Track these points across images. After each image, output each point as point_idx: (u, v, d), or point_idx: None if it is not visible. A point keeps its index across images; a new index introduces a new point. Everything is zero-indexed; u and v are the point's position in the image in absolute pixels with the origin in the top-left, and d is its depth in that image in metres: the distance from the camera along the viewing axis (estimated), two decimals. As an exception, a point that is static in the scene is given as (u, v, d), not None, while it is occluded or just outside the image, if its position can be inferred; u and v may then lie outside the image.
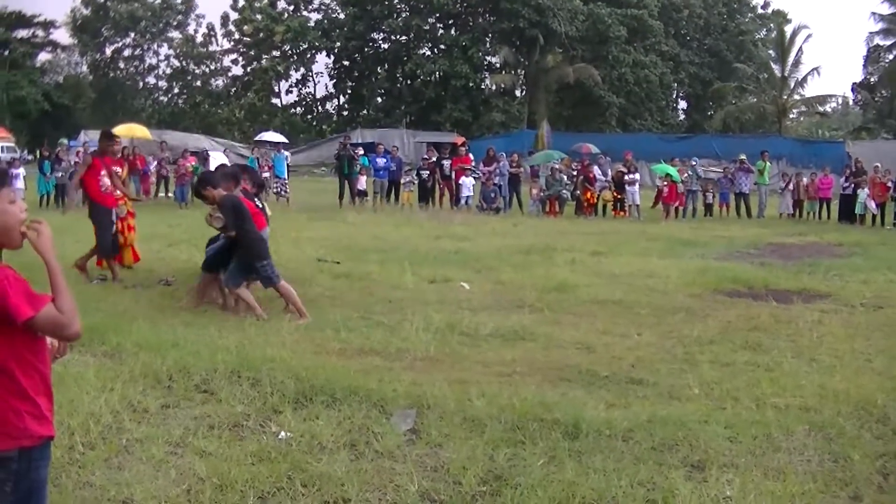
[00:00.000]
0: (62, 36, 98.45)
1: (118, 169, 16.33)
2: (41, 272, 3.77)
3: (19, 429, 3.74)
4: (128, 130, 44.63)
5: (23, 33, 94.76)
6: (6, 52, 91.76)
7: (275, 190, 36.94)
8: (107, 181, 14.89)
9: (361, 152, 37.14)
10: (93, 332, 9.72)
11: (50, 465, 4.05)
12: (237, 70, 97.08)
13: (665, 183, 34.10)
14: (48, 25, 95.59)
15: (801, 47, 73.78)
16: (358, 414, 7.52)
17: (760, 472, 6.43)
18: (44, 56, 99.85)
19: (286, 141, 53.66)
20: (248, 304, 12.32)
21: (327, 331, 11.06)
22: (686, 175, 34.43)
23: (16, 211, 3.80)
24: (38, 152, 33.45)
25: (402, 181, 36.27)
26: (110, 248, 15.17)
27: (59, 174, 33.67)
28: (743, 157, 35.81)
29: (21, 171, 34.64)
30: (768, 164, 36.51)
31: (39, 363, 3.83)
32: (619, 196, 34.04)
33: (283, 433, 7.11)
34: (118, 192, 16.11)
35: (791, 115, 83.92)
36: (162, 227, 23.54)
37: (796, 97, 77.58)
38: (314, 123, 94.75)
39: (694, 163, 35.82)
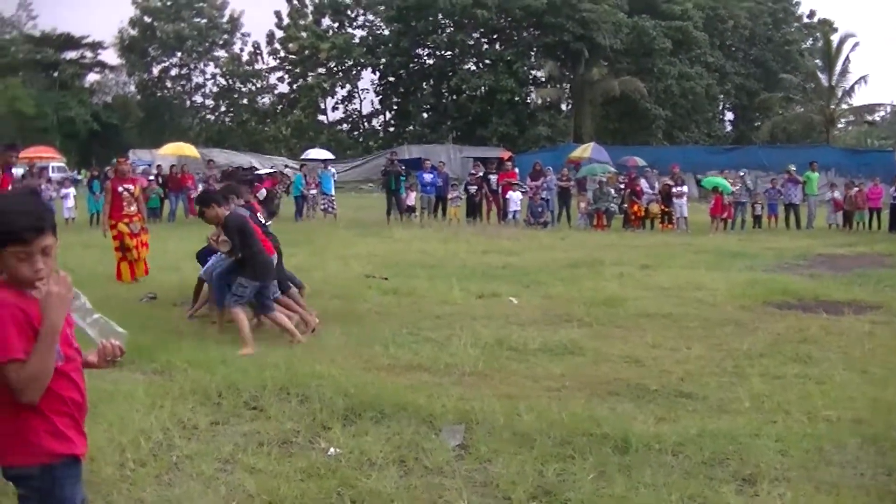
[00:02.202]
0: (110, 56, 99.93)
1: (131, 187, 17.06)
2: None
3: (35, 445, 3.73)
4: (176, 149, 45.17)
5: (72, 54, 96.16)
6: (55, 74, 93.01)
7: (322, 206, 37.21)
8: None
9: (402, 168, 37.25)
10: (142, 350, 9.80)
11: (81, 483, 3.98)
12: (283, 88, 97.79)
13: (712, 196, 33.92)
14: (96, 46, 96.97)
15: (847, 56, 73.36)
16: (407, 430, 7.51)
17: (812, 486, 6.36)
18: (92, 76, 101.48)
19: (333, 157, 53.85)
20: (284, 326, 11.65)
21: (376, 347, 11.05)
22: (738, 187, 34.26)
23: (25, 269, 3.63)
24: (86, 171, 33.67)
25: (449, 196, 36.32)
26: None
27: (109, 194, 33.85)
28: (792, 167, 35.53)
29: (71, 190, 35.04)
30: (816, 174, 36.18)
31: (63, 383, 3.78)
32: (666, 209, 33.91)
33: (332, 449, 7.11)
34: (133, 208, 16.90)
35: (839, 125, 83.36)
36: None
37: (844, 106, 77.06)
38: (360, 140, 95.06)
39: (743, 174, 35.62)
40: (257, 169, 43.03)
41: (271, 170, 42.69)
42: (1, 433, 3.77)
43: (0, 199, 4.06)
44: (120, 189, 17.06)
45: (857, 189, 34.29)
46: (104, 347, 3.93)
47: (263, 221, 13.71)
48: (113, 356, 3.97)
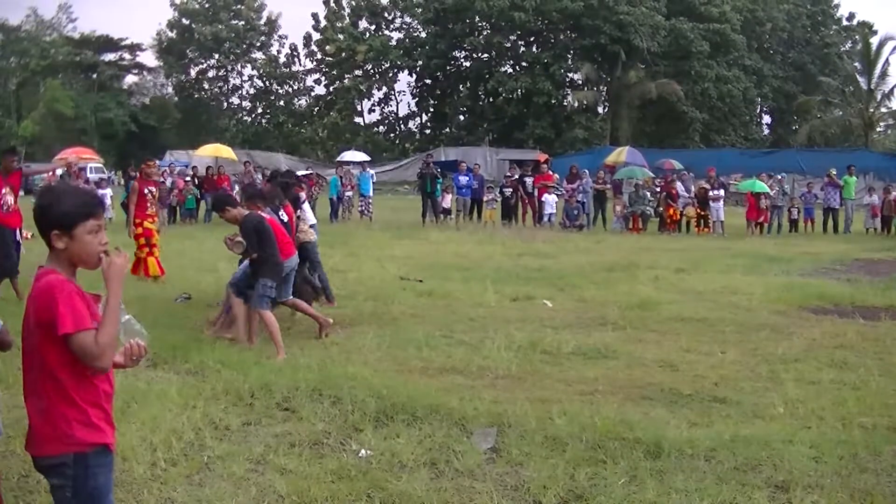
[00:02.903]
0: (148, 58, 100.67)
1: (154, 189, 18.00)
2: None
3: (68, 435, 3.87)
4: (214, 150, 45.31)
5: (110, 56, 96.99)
6: (94, 75, 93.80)
7: (360, 209, 37.35)
8: (9, 199, 14.88)
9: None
10: (176, 349, 9.87)
11: (112, 474, 4.11)
12: (320, 90, 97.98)
13: (747, 199, 33.71)
14: (135, 48, 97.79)
15: (887, 59, 72.71)
16: (438, 432, 7.52)
17: (847, 493, 6.31)
18: (131, 78, 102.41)
19: (368, 159, 53.95)
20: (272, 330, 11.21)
21: (409, 349, 11.07)
22: (775, 190, 34.08)
23: (96, 242, 3.94)
24: (119, 172, 33.93)
25: (485, 199, 36.31)
26: (11, 269, 14.75)
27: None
28: (833, 171, 35.27)
29: (108, 191, 35.29)
30: (854, 178, 35.89)
31: (97, 376, 3.92)
32: (702, 212, 33.74)
33: (363, 451, 7.12)
34: (153, 209, 17.86)
35: (878, 129, 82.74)
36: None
37: (883, 110, 76.51)
38: (397, 142, 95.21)
39: (781, 178, 35.44)
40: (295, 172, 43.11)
41: (308, 172, 42.78)
42: (36, 424, 3.94)
43: (61, 187, 4.27)
44: (145, 191, 17.63)
45: (895, 193, 33.98)
46: (130, 347, 4.04)
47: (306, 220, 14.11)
48: (138, 356, 4.10)
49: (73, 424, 3.86)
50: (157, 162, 19.82)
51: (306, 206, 15.56)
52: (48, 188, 4.66)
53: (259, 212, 11.70)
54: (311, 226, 14.92)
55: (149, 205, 17.55)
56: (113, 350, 3.84)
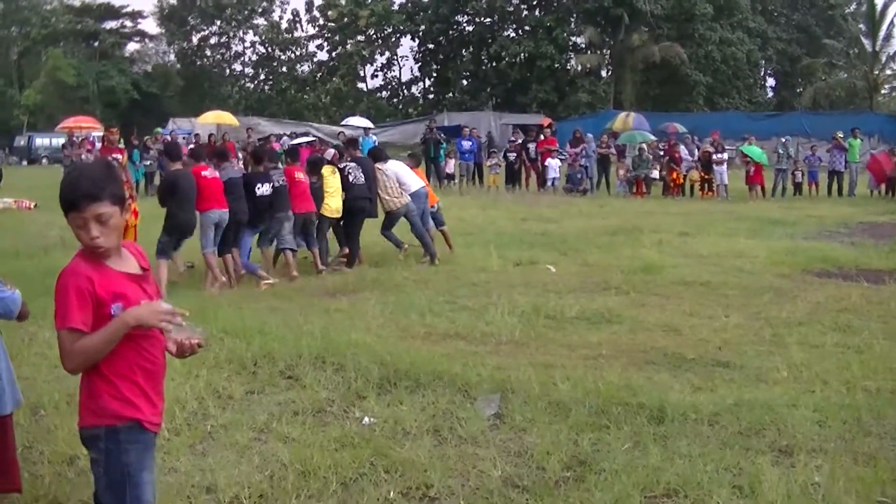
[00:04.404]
0: (150, 26, 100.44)
1: (119, 157, 17.92)
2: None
3: (101, 407, 3.87)
4: (216, 118, 45.32)
5: (111, 24, 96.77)
6: (96, 43, 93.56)
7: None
8: None
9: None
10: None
11: (150, 453, 4.07)
12: (322, 55, 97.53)
13: (751, 163, 33.54)
14: (136, 16, 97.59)
15: (892, 20, 72.10)
16: (442, 399, 7.53)
17: (850, 457, 6.31)
18: (132, 46, 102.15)
19: (371, 126, 53.82)
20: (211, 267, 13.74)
21: (412, 315, 11.09)
22: (781, 152, 33.96)
23: (84, 236, 3.85)
24: (127, 140, 33.87)
25: (488, 164, 36.31)
26: None
27: (148, 162, 34.07)
28: (840, 134, 35.06)
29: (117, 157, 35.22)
30: (859, 141, 35.69)
31: (127, 349, 3.87)
32: (706, 176, 33.63)
33: (366, 419, 7.14)
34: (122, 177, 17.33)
35: (883, 91, 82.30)
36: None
37: (888, 72, 76.07)
38: (400, 107, 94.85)
39: (785, 140, 35.30)
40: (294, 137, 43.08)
41: (310, 139, 42.68)
42: (80, 397, 3.99)
43: (74, 168, 4.20)
44: (109, 158, 17.34)
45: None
46: (182, 345, 4.04)
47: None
48: (192, 352, 4.12)
49: (104, 397, 3.87)
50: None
51: (392, 171, 16.65)
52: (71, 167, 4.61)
53: (205, 169, 13.95)
54: (414, 192, 16.46)
55: None
56: (85, 361, 3.82)
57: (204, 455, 6.42)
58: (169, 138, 37.95)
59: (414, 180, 16.90)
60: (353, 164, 16.38)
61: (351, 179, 16.01)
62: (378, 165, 16.64)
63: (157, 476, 5.84)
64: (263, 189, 14.61)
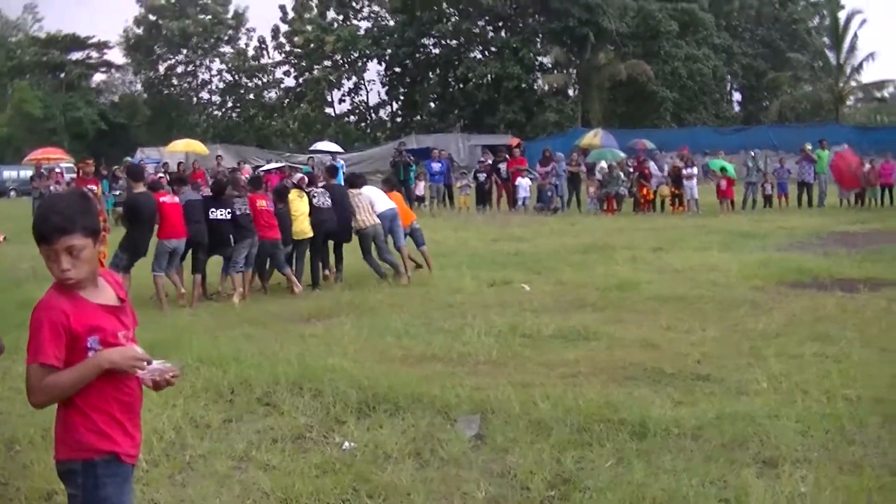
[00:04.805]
0: (116, 56, 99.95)
1: (94, 188, 18.03)
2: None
3: (77, 441, 3.81)
4: (185, 146, 45.21)
5: (78, 55, 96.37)
6: (62, 75, 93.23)
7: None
8: None
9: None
10: (154, 347, 9.63)
11: (128, 486, 3.99)
12: (290, 81, 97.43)
13: (721, 177, 33.66)
14: (102, 46, 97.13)
15: (855, 33, 72.54)
16: (422, 421, 7.47)
17: (835, 466, 6.30)
18: (99, 76, 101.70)
19: (341, 150, 53.76)
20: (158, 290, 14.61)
21: (388, 338, 11.03)
22: (750, 165, 34.14)
23: (54, 267, 3.80)
24: (96, 171, 33.77)
25: (459, 185, 36.35)
26: None
27: (118, 192, 33.95)
28: (808, 146, 35.24)
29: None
30: (826, 152, 35.87)
31: (104, 382, 3.81)
32: (676, 191, 33.74)
33: (346, 444, 7.07)
34: (97, 207, 17.59)
35: (848, 103, 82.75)
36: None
37: (853, 84, 76.54)
38: (368, 131, 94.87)
39: (754, 154, 35.46)
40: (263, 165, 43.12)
41: (279, 164, 42.66)
42: (55, 429, 3.92)
43: (46, 200, 4.14)
44: (85, 189, 17.40)
45: (868, 166, 34.03)
46: (157, 380, 3.96)
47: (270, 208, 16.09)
48: (168, 384, 4.02)
49: (80, 430, 3.80)
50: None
51: (365, 196, 17.31)
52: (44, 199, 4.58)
53: (164, 195, 15.04)
54: (382, 213, 17.12)
55: None
56: (52, 398, 3.78)
57: (183, 486, 6.33)
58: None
59: (383, 202, 17.41)
60: (320, 190, 17.25)
61: (315, 203, 16.77)
62: (352, 191, 17.27)
63: (137, 508, 5.80)
64: (218, 214, 15.37)
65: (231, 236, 15.51)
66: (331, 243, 17.41)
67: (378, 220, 16.89)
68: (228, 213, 15.38)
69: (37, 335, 3.68)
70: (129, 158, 41.58)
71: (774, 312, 12.19)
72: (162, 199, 14.65)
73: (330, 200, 16.93)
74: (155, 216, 14.35)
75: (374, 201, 17.20)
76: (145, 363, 3.85)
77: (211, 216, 15.26)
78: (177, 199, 14.87)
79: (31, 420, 7.41)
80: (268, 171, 34.61)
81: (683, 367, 9.25)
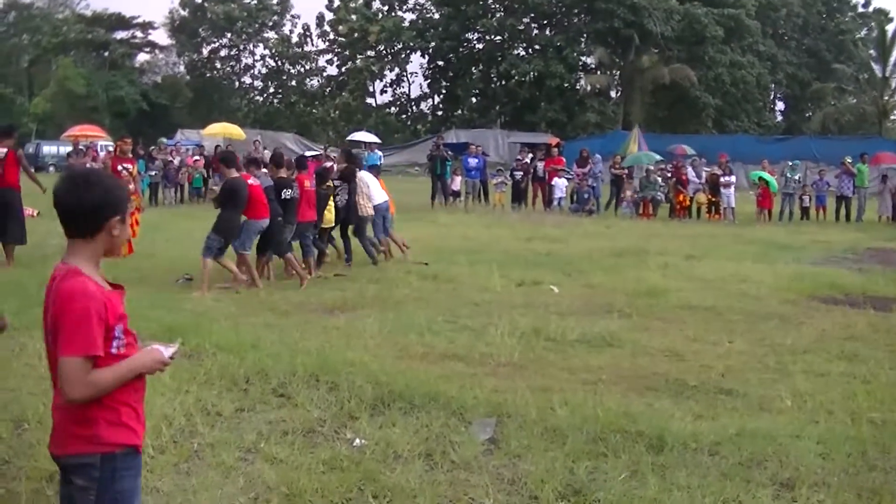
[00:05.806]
0: (160, 37, 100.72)
1: (129, 166, 18.65)
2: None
3: (96, 435, 3.70)
4: (222, 129, 45.19)
5: (122, 35, 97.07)
6: (106, 53, 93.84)
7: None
8: None
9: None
10: (172, 331, 9.63)
11: (140, 478, 3.97)
12: (332, 70, 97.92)
13: (759, 188, 33.42)
14: (147, 27, 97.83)
15: (903, 46, 72.27)
16: (436, 422, 7.36)
17: (854, 492, 6.13)
18: (142, 56, 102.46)
19: (378, 141, 53.74)
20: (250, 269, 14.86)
21: (411, 334, 10.90)
22: (789, 175, 33.86)
23: (126, 231, 3.90)
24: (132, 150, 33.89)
25: (495, 182, 36.20)
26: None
27: (153, 173, 34.09)
28: (848, 159, 34.97)
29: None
30: (867, 166, 35.55)
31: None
32: (713, 199, 33.51)
33: (357, 440, 6.97)
34: (131, 187, 17.94)
35: (892, 117, 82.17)
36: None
37: (898, 98, 76.10)
38: (408, 123, 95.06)
39: (791, 164, 35.18)
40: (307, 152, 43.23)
41: (317, 153, 42.76)
42: (60, 421, 3.80)
43: (96, 175, 4.02)
44: (119, 168, 18.02)
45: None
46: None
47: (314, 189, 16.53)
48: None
49: (101, 424, 3.70)
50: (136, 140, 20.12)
51: (366, 181, 18.02)
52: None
53: (249, 178, 14.77)
54: (377, 206, 17.94)
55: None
56: (95, 394, 3.65)
57: (188, 475, 6.24)
58: (174, 148, 38.11)
59: (379, 193, 18.22)
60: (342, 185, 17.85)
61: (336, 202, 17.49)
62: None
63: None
64: (288, 193, 15.66)
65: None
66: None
67: (373, 212, 17.75)
68: (291, 192, 15.69)
69: (85, 325, 3.55)
70: (164, 139, 41.53)
71: (804, 328, 12.01)
72: (249, 181, 14.78)
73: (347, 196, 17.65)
74: (246, 199, 14.53)
75: (370, 188, 17.92)
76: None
77: (283, 196, 15.50)
78: (258, 182, 15.04)
79: (41, 399, 7.33)
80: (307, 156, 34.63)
81: (707, 380, 9.10)
